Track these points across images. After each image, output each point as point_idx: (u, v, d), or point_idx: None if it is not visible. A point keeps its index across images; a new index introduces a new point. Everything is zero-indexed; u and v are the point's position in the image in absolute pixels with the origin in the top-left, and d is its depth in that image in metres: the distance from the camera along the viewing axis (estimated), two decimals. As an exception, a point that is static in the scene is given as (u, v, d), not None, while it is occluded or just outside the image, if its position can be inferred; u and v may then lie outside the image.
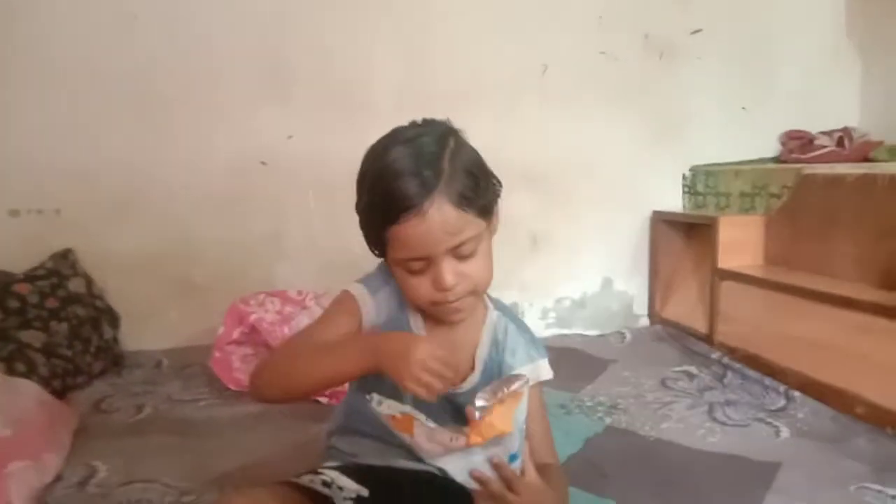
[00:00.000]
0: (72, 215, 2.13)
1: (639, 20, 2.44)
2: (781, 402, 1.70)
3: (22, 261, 1.98)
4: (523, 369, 1.03)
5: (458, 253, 0.90)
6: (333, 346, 0.92)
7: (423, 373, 0.81)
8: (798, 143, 2.46)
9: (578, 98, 2.40)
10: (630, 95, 2.44)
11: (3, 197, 2.08)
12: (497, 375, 1.04)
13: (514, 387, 0.82)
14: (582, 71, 2.40)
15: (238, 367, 1.85)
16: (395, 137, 0.92)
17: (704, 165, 2.48)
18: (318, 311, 1.98)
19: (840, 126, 2.42)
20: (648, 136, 2.47)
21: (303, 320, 1.94)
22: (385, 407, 0.84)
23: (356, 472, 0.98)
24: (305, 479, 0.97)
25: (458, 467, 0.84)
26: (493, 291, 1.06)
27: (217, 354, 1.86)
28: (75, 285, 2.01)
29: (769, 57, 2.55)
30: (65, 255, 2.06)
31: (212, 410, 1.70)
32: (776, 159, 2.50)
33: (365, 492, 0.94)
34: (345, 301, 0.99)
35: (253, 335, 1.89)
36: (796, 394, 1.70)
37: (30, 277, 1.93)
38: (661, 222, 2.45)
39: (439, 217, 0.86)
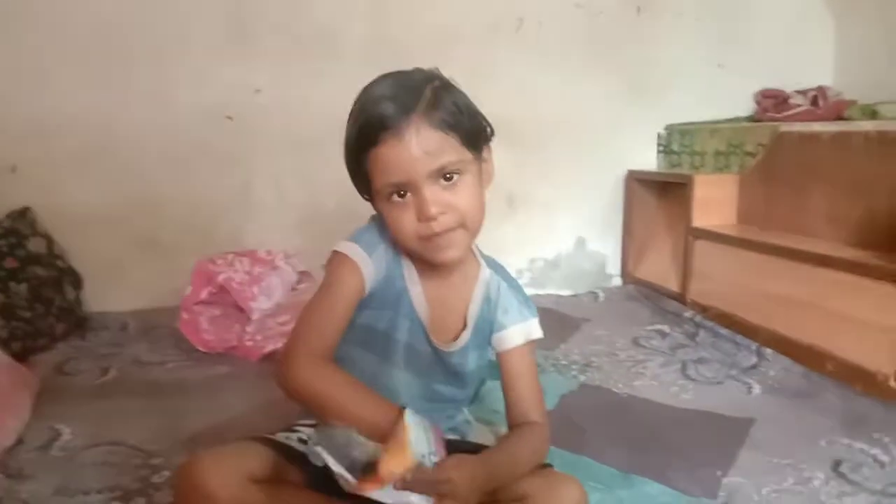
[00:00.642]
0: (29, 172, 2.03)
1: (617, -28, 2.39)
2: (753, 360, 1.71)
3: (-24, 219, 1.90)
4: (515, 328, 1.02)
5: (442, 180, 0.88)
6: (365, 407, 0.87)
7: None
8: (773, 102, 2.45)
9: (554, 53, 2.35)
10: (607, 51, 2.40)
11: (-46, 152, 1.99)
12: (488, 333, 1.02)
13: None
14: (558, 25, 2.35)
15: (206, 329, 1.80)
16: (384, 74, 0.92)
17: (680, 124, 2.46)
18: (288, 271, 1.95)
19: (815, 85, 2.41)
20: (624, 94, 2.44)
21: (273, 280, 1.90)
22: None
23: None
24: (281, 436, 0.95)
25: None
26: (468, 252, 1.03)
27: (185, 315, 1.81)
28: (35, 245, 1.93)
29: (746, 15, 2.52)
30: (23, 214, 1.97)
31: (180, 372, 1.66)
32: (751, 118, 2.49)
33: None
34: (343, 268, 0.94)
35: (221, 295, 1.85)
36: (768, 351, 1.71)
37: (-14, 237, 1.85)
38: (636, 181, 2.43)
39: (417, 137, 0.85)
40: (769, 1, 2.54)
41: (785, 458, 1.22)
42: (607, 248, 2.52)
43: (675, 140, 2.44)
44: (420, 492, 0.77)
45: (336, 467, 0.75)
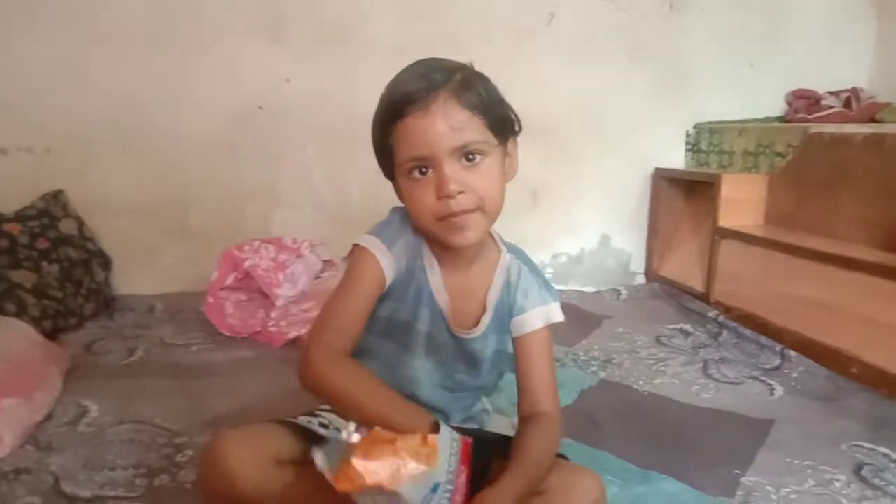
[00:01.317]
0: (62, 155, 2.08)
1: (650, -31, 2.37)
2: (776, 362, 1.70)
3: (11, 201, 1.94)
4: (535, 311, 1.01)
5: (464, 160, 0.88)
6: (380, 403, 0.87)
7: None
8: (804, 103, 2.42)
9: (585, 48, 2.34)
10: (637, 47, 2.38)
11: (-9, 134, 2.03)
12: (508, 317, 1.02)
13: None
14: (590, 20, 2.34)
15: (231, 313, 1.83)
16: (420, 59, 0.93)
17: (708, 123, 2.44)
18: (313, 260, 1.97)
19: (847, 87, 2.38)
20: (654, 91, 2.42)
21: (298, 268, 1.92)
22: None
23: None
24: (303, 420, 0.96)
25: None
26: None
27: (210, 300, 1.84)
28: (66, 227, 1.97)
29: (779, 14, 2.48)
30: (56, 196, 2.02)
31: (204, 355, 1.69)
32: (781, 118, 2.46)
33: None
34: (364, 262, 0.95)
35: (247, 281, 1.87)
36: (792, 353, 1.69)
37: (20, 217, 1.89)
38: (663, 179, 2.42)
39: (443, 111, 0.86)
40: (804, 0, 2.50)
41: (805, 460, 1.21)
42: (632, 246, 2.51)
43: (704, 139, 2.42)
44: None
45: (319, 460, 0.73)
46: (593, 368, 1.68)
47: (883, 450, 1.26)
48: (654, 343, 1.87)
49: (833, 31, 2.53)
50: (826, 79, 2.45)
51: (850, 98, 2.31)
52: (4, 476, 1.08)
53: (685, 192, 2.41)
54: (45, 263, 1.85)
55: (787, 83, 2.49)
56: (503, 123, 0.93)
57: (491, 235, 1.04)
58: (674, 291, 2.27)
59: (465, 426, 1.09)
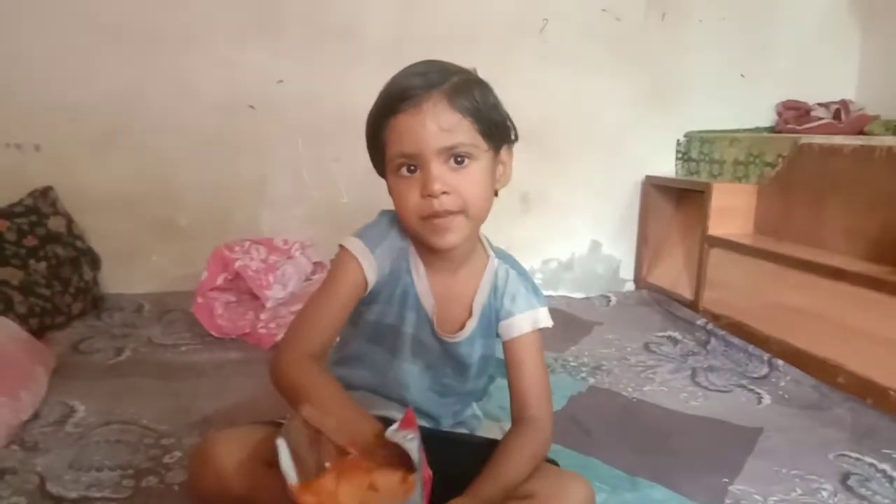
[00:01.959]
0: (52, 152, 2.06)
1: (643, -22, 2.38)
2: (764, 370, 1.71)
3: (-1, 196, 1.92)
4: (523, 316, 1.02)
5: (451, 161, 0.89)
6: (330, 405, 0.86)
7: None
8: (794, 114, 2.44)
9: (577, 55, 2.35)
10: (629, 56, 2.39)
11: (-20, 129, 2.01)
12: (495, 321, 1.02)
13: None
14: (582, 28, 2.35)
15: (220, 314, 1.82)
16: (424, 60, 0.94)
17: (699, 132, 2.46)
18: (303, 261, 1.97)
19: (837, 98, 2.40)
20: (645, 100, 2.43)
21: (288, 270, 1.92)
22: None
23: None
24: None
25: None
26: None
27: (199, 300, 1.83)
28: (55, 224, 1.96)
29: (770, 25, 2.50)
30: (45, 193, 2.00)
31: (193, 355, 1.68)
32: (771, 129, 2.48)
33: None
34: (344, 265, 0.96)
35: (236, 282, 1.86)
36: (779, 362, 1.70)
37: (8, 214, 1.87)
38: (653, 187, 2.43)
39: (434, 111, 0.87)
40: (795, 12, 2.52)
41: (793, 469, 1.22)
42: (621, 253, 2.52)
43: (695, 147, 2.44)
44: None
45: (284, 463, 0.70)
46: (583, 374, 1.68)
47: (869, 459, 1.27)
48: (642, 350, 1.88)
49: (821, 43, 2.55)
50: (814, 91, 2.47)
51: (840, 110, 2.33)
52: (-11, 476, 1.07)
53: (675, 201, 2.43)
54: (32, 261, 1.83)
55: (777, 94, 2.51)
56: (496, 130, 0.93)
57: (480, 241, 1.04)
58: (662, 299, 2.28)
59: (456, 430, 1.09)
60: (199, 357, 1.67)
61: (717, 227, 2.11)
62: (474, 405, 1.15)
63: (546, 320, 1.04)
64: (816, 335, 1.69)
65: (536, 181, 2.36)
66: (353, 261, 0.95)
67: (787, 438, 1.35)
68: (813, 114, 2.39)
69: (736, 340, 1.86)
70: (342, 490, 0.71)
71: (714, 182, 2.18)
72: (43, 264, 1.84)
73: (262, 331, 1.77)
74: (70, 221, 2.01)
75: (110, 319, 1.93)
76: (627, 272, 2.53)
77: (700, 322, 2.02)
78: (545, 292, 2.48)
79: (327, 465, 0.72)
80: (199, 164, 2.14)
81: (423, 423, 1.04)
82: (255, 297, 1.85)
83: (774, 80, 2.51)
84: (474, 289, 1.02)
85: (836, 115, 2.33)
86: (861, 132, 2.19)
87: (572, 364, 1.75)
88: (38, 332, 1.70)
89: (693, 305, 2.14)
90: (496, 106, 0.94)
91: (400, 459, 0.74)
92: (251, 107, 2.15)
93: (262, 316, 1.80)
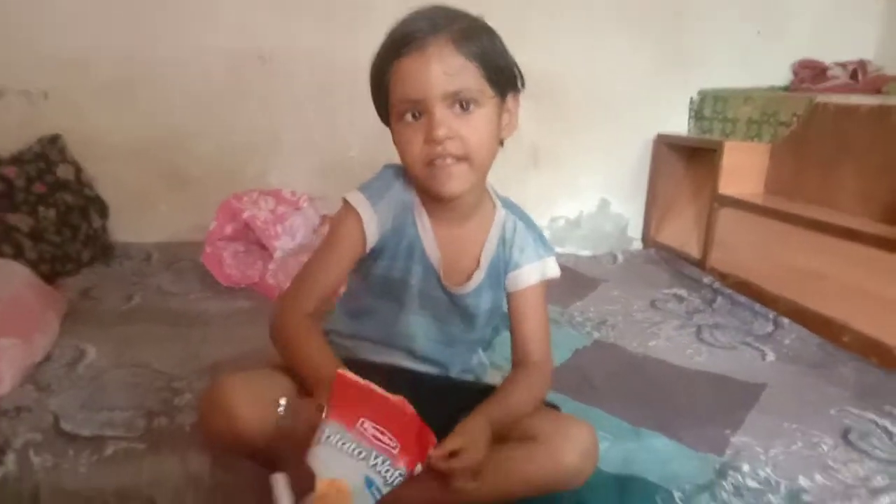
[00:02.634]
0: (60, 99, 2.04)
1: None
2: (769, 328, 1.71)
3: (7, 144, 1.91)
4: (531, 266, 1.02)
5: (456, 107, 0.88)
6: (304, 363, 0.91)
7: None
8: (810, 73, 2.40)
9: (591, 10, 2.30)
10: (643, 11, 2.35)
11: (-13, 74, 2.00)
12: (503, 273, 1.03)
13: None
14: (596, -18, 2.30)
15: (229, 264, 1.83)
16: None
17: (713, 90, 2.42)
18: (311, 213, 1.97)
19: (855, 58, 2.35)
20: (659, 56, 2.39)
21: (296, 221, 1.92)
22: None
23: (354, 366, 0.98)
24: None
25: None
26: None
27: (208, 249, 1.84)
28: (63, 172, 1.95)
29: (790, -20, 2.45)
30: (53, 141, 1.99)
31: (202, 304, 1.70)
32: (786, 88, 2.44)
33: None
34: (345, 221, 0.97)
35: (245, 232, 1.87)
36: (785, 321, 1.71)
37: (16, 160, 1.87)
38: (665, 145, 2.41)
39: (439, 54, 0.86)
40: (813, -32, 2.47)
41: (794, 423, 1.23)
42: (630, 211, 2.51)
43: (708, 106, 2.41)
44: (439, 470, 0.78)
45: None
46: (588, 329, 1.69)
47: (870, 415, 1.28)
48: (648, 307, 1.88)
49: (841, 1, 2.50)
50: (833, 49, 2.42)
51: (857, 70, 2.29)
52: (5, 413, 1.09)
53: (686, 159, 2.41)
54: (41, 208, 1.83)
55: (793, 52, 2.47)
56: (502, 77, 0.92)
57: (487, 192, 1.04)
58: (670, 257, 2.28)
59: (463, 378, 1.11)
60: (208, 305, 1.68)
61: (727, 187, 2.10)
62: (480, 353, 1.16)
63: (554, 270, 1.04)
64: (823, 295, 1.69)
65: (547, 137, 2.34)
66: (354, 216, 0.95)
67: (790, 394, 1.36)
68: (829, 73, 2.35)
69: (742, 299, 1.86)
70: None
71: (726, 141, 2.15)
72: (52, 211, 1.85)
73: (271, 281, 1.78)
74: (78, 169, 2.01)
75: (119, 267, 1.94)
76: (635, 231, 2.53)
77: (707, 280, 2.02)
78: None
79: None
80: (207, 114, 2.13)
81: (432, 370, 1.06)
82: (263, 247, 1.86)
83: (791, 39, 2.47)
84: (482, 241, 1.02)
85: (853, 75, 2.29)
86: (878, 92, 2.15)
87: (577, 319, 1.76)
88: (49, 279, 1.71)
89: (700, 264, 2.14)
90: (503, 52, 0.93)
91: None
92: (261, 58, 2.13)
93: (271, 266, 1.81)
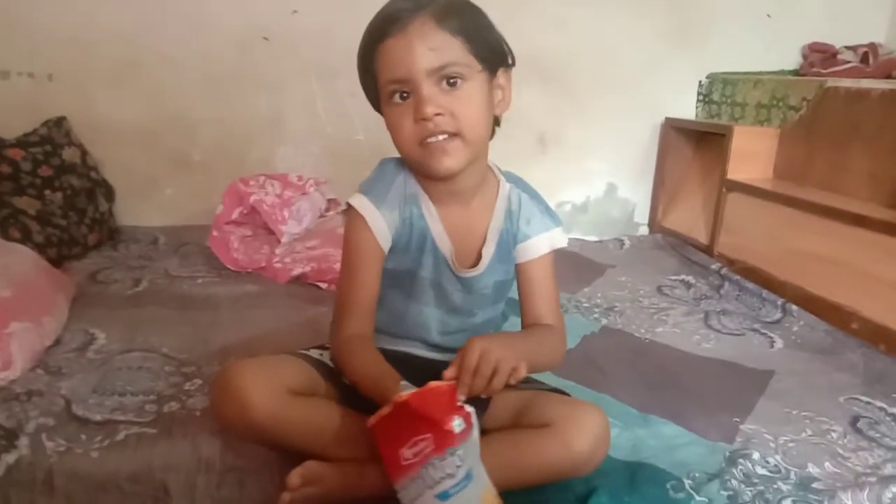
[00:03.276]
0: (65, 82, 2.04)
1: None
2: (777, 315, 1.71)
3: (12, 126, 1.90)
4: (539, 238, 1.02)
5: (443, 84, 0.88)
6: (365, 385, 0.89)
7: None
8: (820, 57, 2.37)
9: (597, -9, 2.28)
10: (653, -8, 2.32)
11: (-8, 57, 1.98)
12: (512, 246, 1.03)
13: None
14: (605, -38, 2.27)
15: (236, 248, 1.83)
16: None
17: (722, 74, 2.40)
18: (317, 197, 1.96)
19: (866, 42, 2.33)
20: (667, 40, 2.37)
21: (303, 205, 1.91)
22: None
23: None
24: (314, 353, 0.97)
25: None
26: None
27: (215, 234, 1.84)
28: (69, 155, 1.95)
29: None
30: (58, 123, 1.98)
31: (210, 288, 1.69)
32: (796, 72, 2.42)
33: None
34: (356, 230, 0.96)
35: (252, 216, 1.87)
36: (793, 307, 1.71)
37: (22, 143, 1.87)
38: (672, 130, 2.39)
39: (421, 32, 0.86)
40: (826, -50, 2.44)
41: (803, 411, 1.23)
42: (637, 196, 2.50)
43: (717, 89, 2.39)
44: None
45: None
46: (595, 315, 1.69)
47: (879, 403, 1.28)
48: (655, 293, 1.88)
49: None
50: (843, 33, 2.40)
51: (868, 53, 2.27)
52: (17, 397, 1.09)
53: (694, 144, 2.39)
54: (48, 191, 1.83)
55: (803, 36, 2.45)
56: (489, 51, 0.92)
57: (490, 170, 1.03)
58: (677, 243, 2.27)
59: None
60: (216, 290, 1.68)
61: (736, 172, 2.08)
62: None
63: (562, 240, 1.04)
64: (832, 281, 1.68)
65: (554, 121, 2.33)
66: (362, 223, 0.95)
67: (799, 381, 1.36)
68: (840, 57, 2.33)
69: (750, 285, 1.85)
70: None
71: (735, 125, 2.14)
72: (59, 195, 1.85)
73: (278, 265, 1.78)
74: (84, 152, 2.00)
75: (126, 251, 1.94)
76: (642, 216, 2.52)
77: (714, 266, 2.01)
78: (559, 234, 2.48)
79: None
80: (212, 97, 2.12)
81: (446, 357, 1.05)
82: (270, 231, 1.86)
83: (801, 22, 2.44)
84: (489, 217, 1.02)
85: (864, 59, 2.27)
86: (889, 76, 2.13)
87: (585, 305, 1.75)
88: (56, 262, 1.71)
89: (708, 250, 2.13)
90: (489, 27, 0.93)
91: None
92: (265, 38, 2.11)
93: (278, 251, 1.81)
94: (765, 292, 1.80)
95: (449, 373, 0.80)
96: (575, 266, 2.07)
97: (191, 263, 1.86)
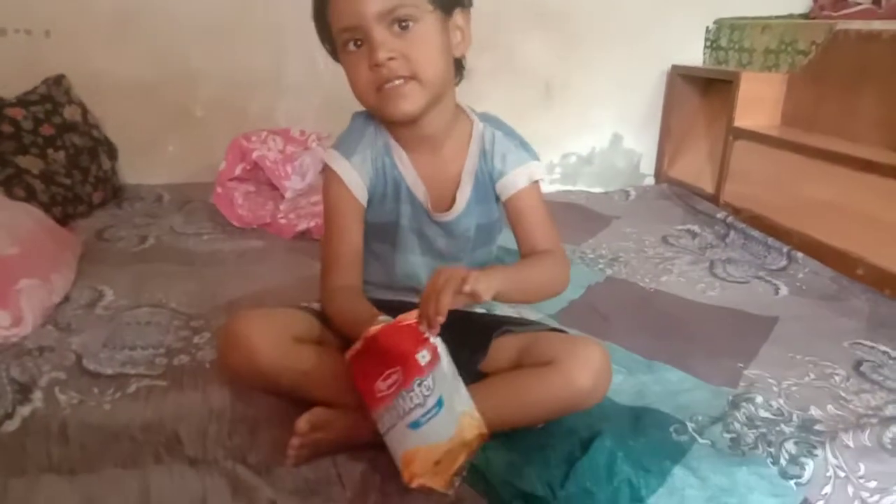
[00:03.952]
0: (63, 38, 2.01)
1: None
2: (783, 262, 1.71)
3: (10, 85, 1.88)
4: (516, 171, 1.01)
5: (395, 27, 0.87)
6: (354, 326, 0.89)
7: None
8: (831, -1, 2.32)
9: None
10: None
11: (-13, 14, 1.96)
12: (490, 185, 1.02)
13: None
14: None
15: (241, 204, 1.83)
16: None
17: (730, 19, 2.35)
18: (320, 153, 1.95)
19: (879, -19, 2.27)
20: (675, -16, 2.32)
21: (306, 160, 1.90)
22: None
23: (367, 304, 0.98)
24: (317, 306, 0.98)
25: None
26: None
27: (219, 190, 1.84)
28: (70, 113, 1.94)
29: None
30: (58, 81, 1.96)
31: (215, 244, 1.70)
32: (806, 16, 2.36)
33: None
34: (330, 185, 0.97)
35: (255, 172, 1.86)
36: (798, 254, 1.70)
37: (23, 102, 1.85)
38: (679, 77, 2.35)
39: None
40: None
41: (807, 356, 1.24)
42: (643, 147, 2.47)
43: (724, 35, 2.34)
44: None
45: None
46: (600, 266, 1.69)
47: (883, 347, 1.29)
48: (661, 243, 1.88)
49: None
50: (856, -27, 2.33)
51: (880, -6, 2.21)
52: (29, 353, 1.11)
53: (701, 91, 2.36)
54: (51, 150, 1.82)
55: (814, -23, 2.38)
56: None
57: (462, 111, 1.03)
58: (683, 193, 2.26)
59: (476, 310, 1.11)
60: (222, 245, 1.69)
61: (743, 119, 2.05)
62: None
63: (539, 172, 1.03)
64: (838, 227, 1.67)
65: (559, 70, 2.30)
66: (335, 178, 0.96)
67: (803, 327, 1.37)
68: (851, -1, 2.27)
69: (755, 233, 1.85)
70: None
71: (743, 71, 2.10)
72: (62, 153, 1.84)
73: (283, 221, 1.78)
74: (85, 111, 1.99)
75: (131, 209, 1.95)
76: (648, 167, 2.50)
77: (720, 215, 2.00)
78: (563, 187, 2.48)
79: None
80: (212, 51, 2.09)
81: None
82: (273, 187, 1.85)
83: (812, -38, 2.37)
84: (463, 160, 1.01)
85: (876, 0, 2.21)
86: (902, 18, 2.08)
87: (590, 256, 1.75)
88: (62, 221, 1.71)
89: (714, 199, 2.12)
90: None
91: None
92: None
93: (282, 206, 1.81)
94: (770, 240, 1.79)
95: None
96: (579, 217, 2.06)
97: (196, 220, 1.86)
